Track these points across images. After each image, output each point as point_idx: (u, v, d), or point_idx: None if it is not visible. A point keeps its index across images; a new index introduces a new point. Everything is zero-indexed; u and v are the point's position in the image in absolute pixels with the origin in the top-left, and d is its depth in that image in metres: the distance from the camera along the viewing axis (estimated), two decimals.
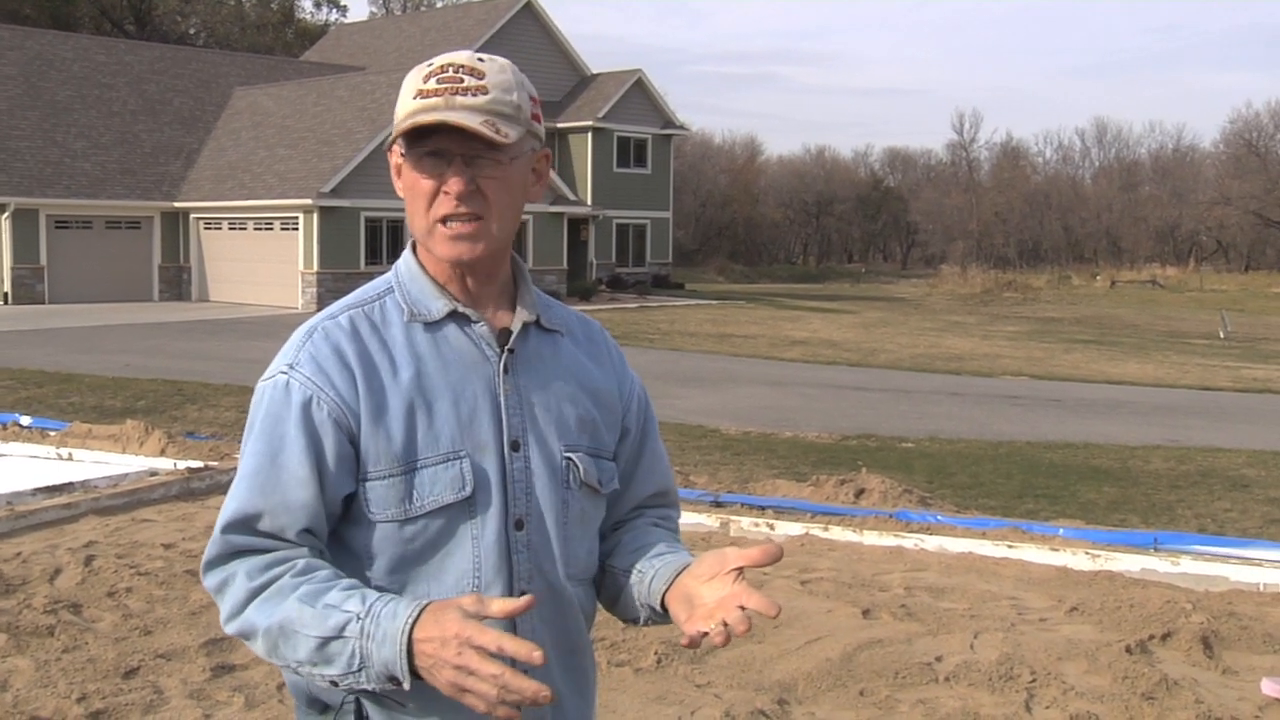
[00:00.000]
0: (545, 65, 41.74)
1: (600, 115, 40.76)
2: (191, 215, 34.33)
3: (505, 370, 1.76)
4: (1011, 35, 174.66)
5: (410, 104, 1.71)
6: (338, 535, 1.73)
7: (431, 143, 1.70)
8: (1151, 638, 5.44)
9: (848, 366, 21.12)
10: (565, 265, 37.81)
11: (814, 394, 17.00)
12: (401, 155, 1.75)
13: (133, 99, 36.32)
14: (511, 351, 1.77)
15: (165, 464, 8.82)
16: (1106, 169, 75.90)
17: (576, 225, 39.63)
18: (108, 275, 32.85)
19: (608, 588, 1.89)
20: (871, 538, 7.23)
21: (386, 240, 33.09)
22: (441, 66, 1.73)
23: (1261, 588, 6.35)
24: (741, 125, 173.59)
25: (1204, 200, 64.29)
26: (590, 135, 40.78)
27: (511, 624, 1.68)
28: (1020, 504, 9.36)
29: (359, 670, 1.56)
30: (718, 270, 57.55)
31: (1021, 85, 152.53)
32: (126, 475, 8.40)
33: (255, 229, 33.03)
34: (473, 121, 1.67)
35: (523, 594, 1.71)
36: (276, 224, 32.44)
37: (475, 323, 1.76)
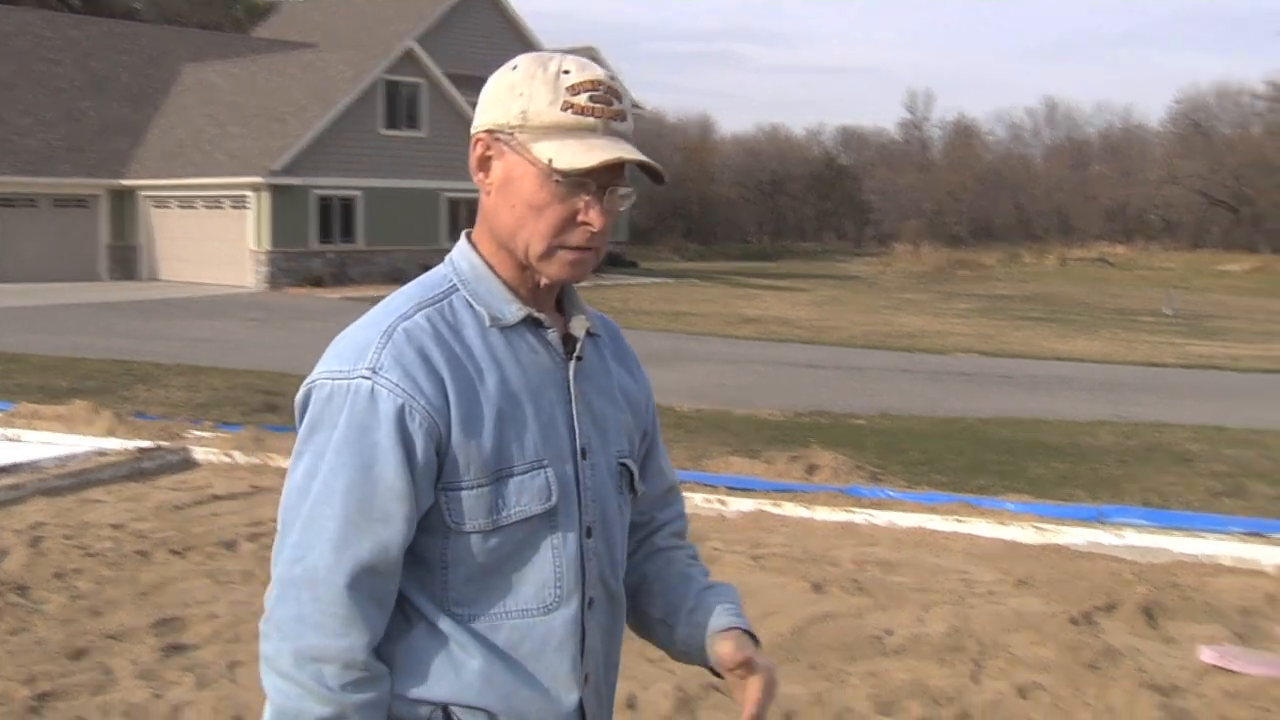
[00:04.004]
0: (498, 42, 41.47)
1: None
2: (140, 193, 33.89)
3: (573, 378, 1.72)
4: (964, 14, 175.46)
5: (559, 115, 1.61)
6: (409, 545, 1.64)
7: (590, 173, 1.60)
8: (1096, 609, 5.54)
9: (801, 344, 21.22)
10: None
11: (767, 371, 17.08)
12: (528, 161, 1.62)
13: (78, 75, 35.74)
14: (580, 359, 1.73)
15: (114, 444, 8.73)
16: (1057, 148, 76.48)
17: None
18: (55, 254, 32.38)
19: (638, 623, 1.91)
20: (823, 513, 7.29)
21: (339, 219, 32.87)
22: (593, 82, 1.63)
23: (1203, 559, 6.46)
24: (696, 103, 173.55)
25: (1152, 179, 64.96)
26: None
27: (580, 639, 1.69)
28: (971, 480, 9.46)
29: None
30: (672, 249, 57.51)
31: (973, 64, 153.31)
32: (74, 455, 8.32)
33: (205, 207, 32.68)
34: (643, 157, 1.64)
35: (590, 601, 1.71)
36: (227, 202, 32.12)
37: (547, 329, 1.70)
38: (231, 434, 9.24)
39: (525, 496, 1.63)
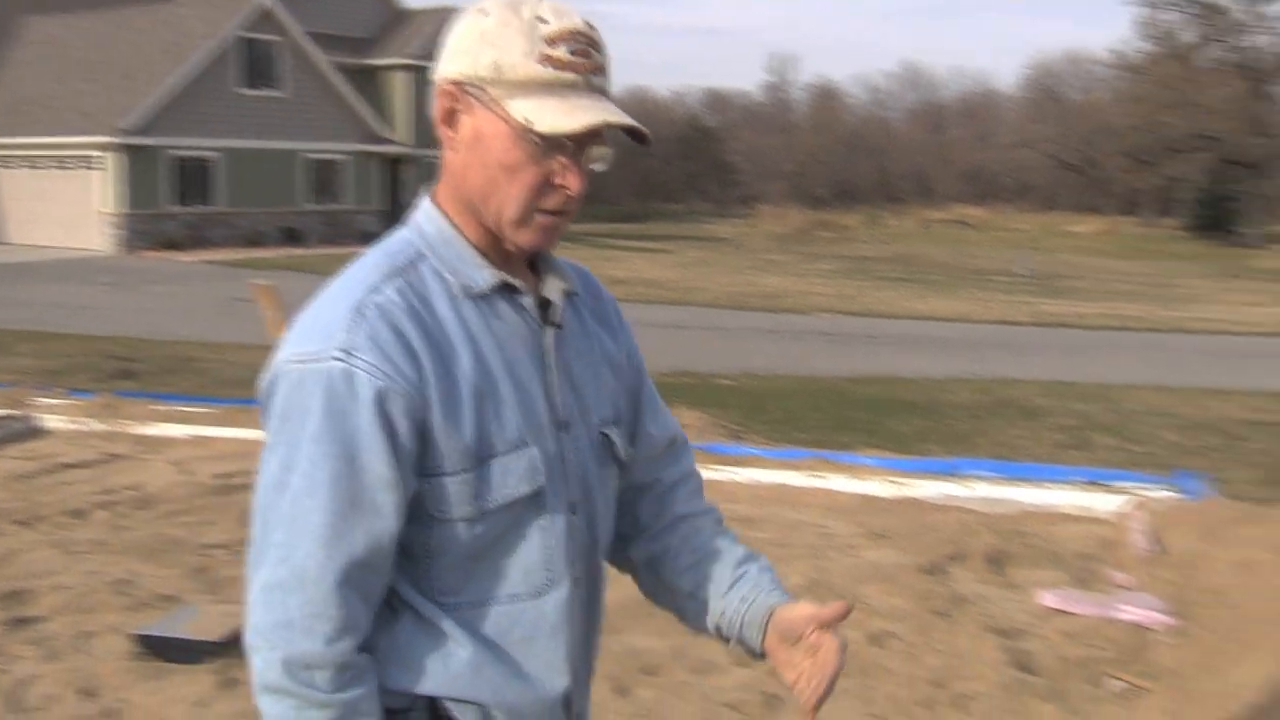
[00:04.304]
0: (361, 1, 40.65)
1: (416, 53, 39.88)
2: None
3: (552, 346, 1.61)
4: None
5: (536, 69, 1.47)
6: None
7: (571, 136, 1.49)
8: (947, 558, 5.73)
9: (667, 305, 21.34)
10: (384, 206, 37.18)
11: (634, 333, 17.14)
12: (501, 118, 1.49)
13: None
14: (558, 326, 1.62)
15: None
16: (916, 111, 77.99)
17: (395, 165, 38.94)
18: None
19: (661, 596, 1.82)
20: None
21: (196, 181, 31.99)
22: (572, 31, 1.49)
23: (1047, 509, 6.73)
24: None
25: (1006, 143, 66.73)
26: (406, 73, 39.92)
27: (572, 622, 1.62)
28: (832, 437, 9.65)
29: None
30: None
31: (835, 28, 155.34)
32: None
33: (53, 167, 31.52)
34: (630, 120, 1.50)
35: (576, 580, 1.62)
36: (76, 163, 31.01)
37: (522, 295, 1.58)
38: (84, 401, 8.96)
39: (510, 479, 1.53)
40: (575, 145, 1.50)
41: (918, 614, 4.97)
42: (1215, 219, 50.38)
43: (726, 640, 1.75)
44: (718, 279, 27.22)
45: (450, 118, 1.54)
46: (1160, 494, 6.72)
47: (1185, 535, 5.85)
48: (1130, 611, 4.95)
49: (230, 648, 4.32)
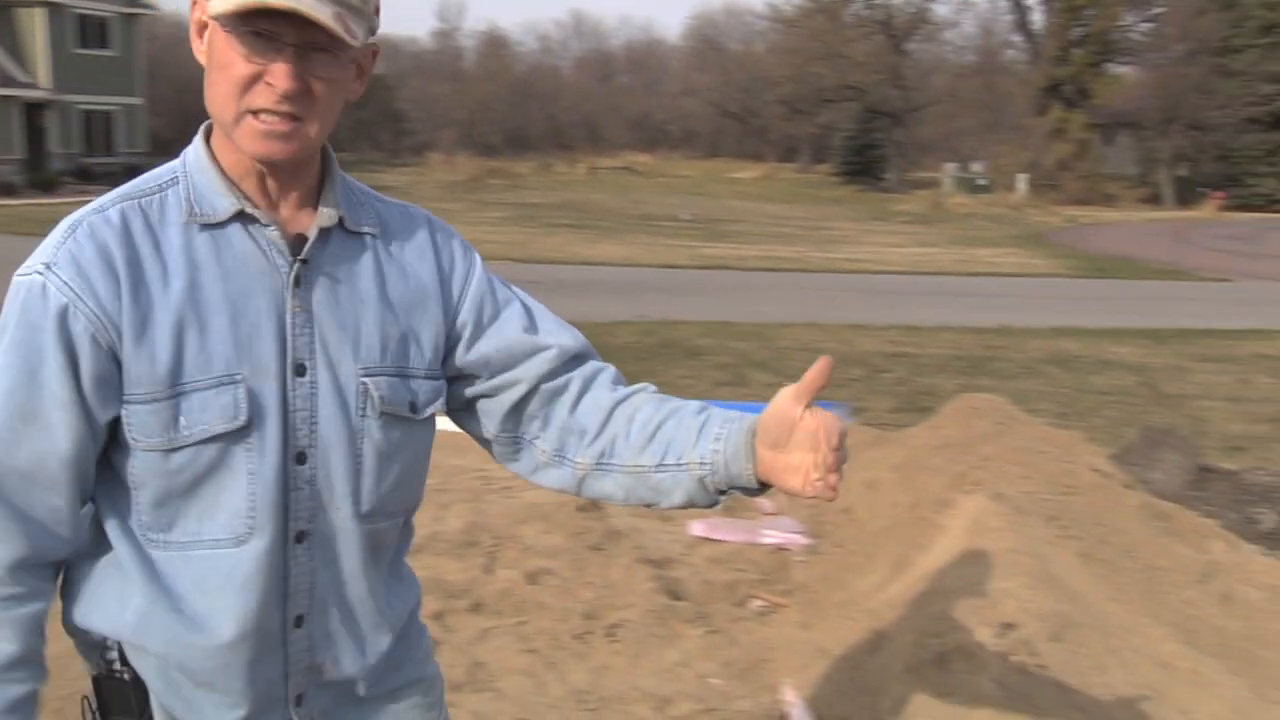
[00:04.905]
0: None
1: None
2: None
3: (296, 283, 1.53)
4: None
5: None
6: (107, 458, 1.53)
7: (262, 22, 1.42)
8: None
9: None
10: (24, 155, 34.48)
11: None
12: (213, 19, 1.46)
13: None
14: (304, 262, 1.54)
15: None
16: (584, 60, 79.02)
17: (36, 111, 36.11)
18: None
19: (627, 489, 1.68)
20: None
21: None
22: None
23: None
24: None
25: (671, 92, 68.72)
26: (44, 10, 36.96)
27: (280, 577, 1.55)
28: None
29: None
30: None
31: None
32: None
33: None
34: (324, 15, 1.41)
35: (300, 534, 1.55)
36: None
37: (265, 226, 1.52)
38: None
39: (208, 414, 1.47)
40: (293, 48, 1.44)
41: (574, 550, 5.09)
42: (862, 165, 53.60)
43: (716, 496, 1.63)
44: None
45: (200, 30, 1.51)
46: None
47: None
48: (772, 535, 5.26)
49: None
